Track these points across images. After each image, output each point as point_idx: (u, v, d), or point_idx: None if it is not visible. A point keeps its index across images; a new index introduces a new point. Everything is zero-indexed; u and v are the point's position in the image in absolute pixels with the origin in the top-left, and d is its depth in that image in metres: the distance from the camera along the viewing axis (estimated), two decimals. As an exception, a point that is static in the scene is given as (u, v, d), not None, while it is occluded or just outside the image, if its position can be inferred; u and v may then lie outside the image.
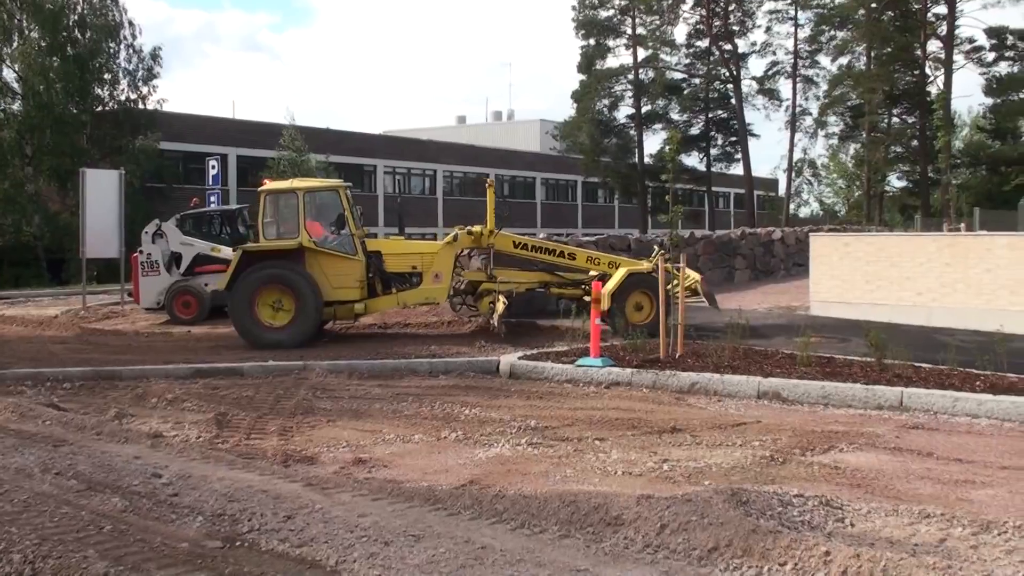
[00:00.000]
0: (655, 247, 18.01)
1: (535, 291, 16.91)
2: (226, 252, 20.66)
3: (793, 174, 60.29)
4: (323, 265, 15.82)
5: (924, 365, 11.56)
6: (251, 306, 15.38)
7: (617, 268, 16.21)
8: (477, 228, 16.58)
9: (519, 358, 13.10)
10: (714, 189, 64.63)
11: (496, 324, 15.21)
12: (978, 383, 10.52)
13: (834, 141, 63.31)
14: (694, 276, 16.78)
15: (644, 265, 16.17)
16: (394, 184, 56.80)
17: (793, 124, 57.90)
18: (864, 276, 18.15)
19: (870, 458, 7.94)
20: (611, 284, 15.32)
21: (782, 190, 67.82)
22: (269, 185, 16.44)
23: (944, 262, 17.17)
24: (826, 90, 56.77)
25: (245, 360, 13.56)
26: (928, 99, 50.70)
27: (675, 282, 15.34)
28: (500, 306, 15.49)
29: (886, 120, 56.85)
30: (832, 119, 58.48)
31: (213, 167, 28.92)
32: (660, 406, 10.39)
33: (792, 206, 64.28)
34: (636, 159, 58.49)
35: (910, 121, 55.75)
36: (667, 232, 14.08)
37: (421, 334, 16.98)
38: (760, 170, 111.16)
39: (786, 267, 29.34)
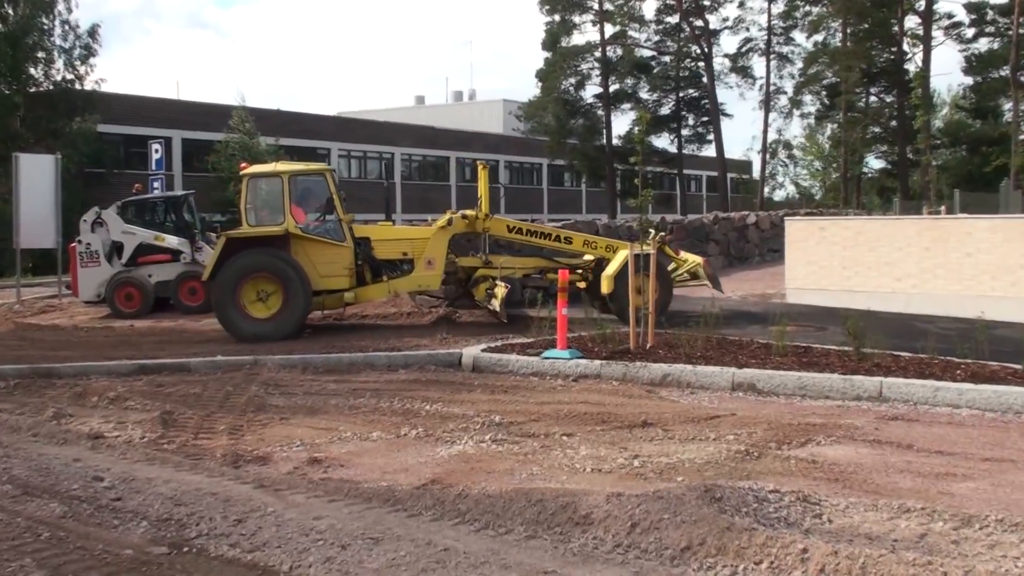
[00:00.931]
0: (651, 230, 18.20)
1: (531, 277, 17.03)
2: (171, 241, 20.48)
3: (768, 156, 60.75)
4: (310, 252, 15.79)
5: (904, 354, 11.69)
6: (235, 296, 15.30)
7: (615, 252, 16.30)
8: (471, 212, 16.69)
9: (482, 350, 13.09)
10: (686, 172, 65.07)
11: (499, 310, 15.36)
12: (959, 372, 10.64)
13: (810, 121, 63.98)
14: (695, 259, 17.04)
15: (645, 247, 16.29)
16: (348, 168, 56.54)
17: (767, 104, 58.34)
18: (841, 262, 18.32)
19: (848, 451, 8.01)
20: (612, 267, 15.43)
21: (756, 173, 68.35)
22: (251, 169, 16.39)
23: (924, 246, 17.37)
24: (801, 68, 57.32)
25: (192, 355, 13.47)
26: (907, 77, 51.19)
27: (673, 265, 15.50)
28: (500, 291, 15.60)
29: (864, 99, 57.44)
30: (808, 98, 59.09)
31: (156, 151, 28.63)
32: (631, 399, 10.42)
33: (767, 189, 64.77)
34: (604, 140, 58.64)
35: (888, 100, 56.34)
36: (637, 217, 14.15)
37: (379, 325, 16.93)
38: (733, 152, 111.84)
39: (761, 253, 29.58)
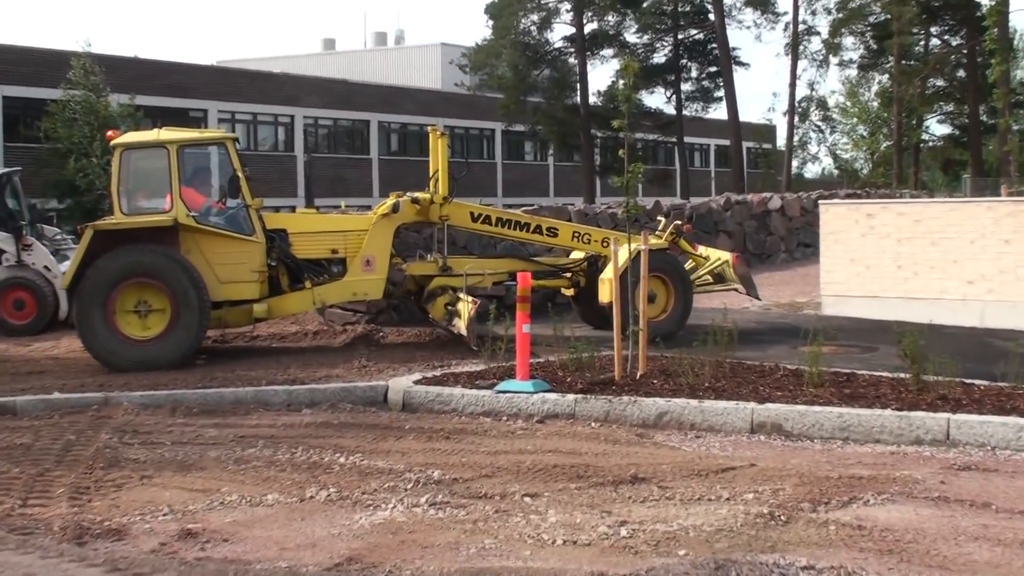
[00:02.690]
0: (660, 217, 18.40)
1: (504, 284, 17.10)
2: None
3: (796, 119, 61.10)
4: (207, 250, 15.74)
5: (978, 382, 11.81)
6: (105, 310, 15.16)
7: (613, 246, 16.37)
8: (423, 194, 16.72)
9: (416, 382, 13.05)
10: (687, 140, 65.38)
11: (465, 332, 15.26)
12: (1051, 406, 10.77)
13: (852, 72, 64.54)
14: (720, 256, 17.19)
15: (656, 241, 16.40)
16: (232, 132, 56.24)
17: (795, 49, 58.61)
18: (894, 259, 18.49)
19: (906, 513, 8.07)
20: (613, 268, 15.45)
21: (781, 141, 68.85)
22: (124, 138, 16.30)
23: (1003, 238, 17.54)
24: (840, 0, 57.59)
25: (19, 392, 13.31)
26: (978, 13, 51.65)
27: (691, 264, 15.62)
28: (465, 308, 15.46)
29: (923, 43, 57.93)
30: (849, 41, 59.47)
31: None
32: (615, 446, 10.43)
33: (795, 163, 65.29)
34: (578, 98, 58.81)
35: (954, 44, 56.83)
36: (621, 201, 14.20)
37: (275, 349, 16.84)
38: (750, 113, 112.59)
39: (788, 248, 29.81)
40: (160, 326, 15.31)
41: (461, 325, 15.43)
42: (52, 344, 18.00)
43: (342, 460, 10.00)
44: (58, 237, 22.27)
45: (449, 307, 16.09)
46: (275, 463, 9.98)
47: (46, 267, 19.93)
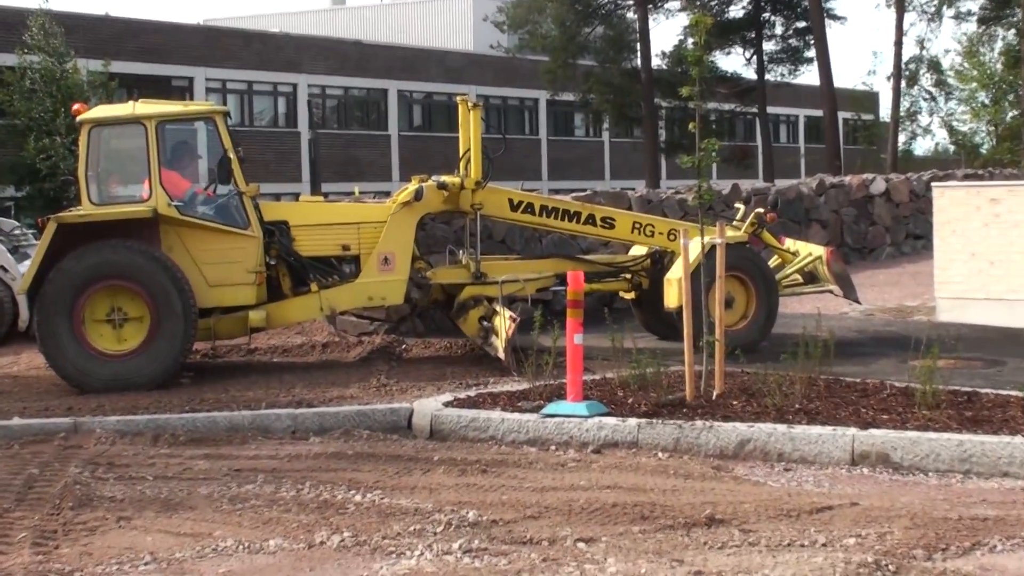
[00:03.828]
0: (738, 204, 18.30)
1: (550, 290, 17.13)
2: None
3: (903, 84, 60.80)
4: (193, 246, 15.79)
5: None
6: (73, 320, 15.21)
7: (682, 239, 16.33)
8: (451, 178, 16.72)
9: (446, 404, 13.08)
10: (771, 111, 65.09)
11: (503, 355, 15.25)
12: None
13: (971, 26, 64.09)
14: (812, 251, 17.13)
15: (734, 233, 16.33)
16: (223, 104, 56.42)
17: (901, -1, 58.48)
18: (1026, 254, 18.39)
19: (1042, 561, 8.04)
20: (683, 266, 15.37)
21: (885, 111, 68.54)
22: (94, 112, 16.40)
23: None
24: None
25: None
26: None
27: (777, 261, 15.55)
28: (503, 324, 15.45)
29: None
30: (967, -11, 59.13)
31: None
32: (687, 481, 10.42)
33: (902, 138, 64.97)
34: (638, 61, 58.66)
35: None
36: (692, 185, 14.19)
37: (277, 365, 16.91)
38: (847, 78, 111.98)
39: (894, 241, 29.67)
40: (138, 338, 15.35)
41: (499, 345, 15.41)
42: (11, 360, 18.08)
43: (358, 498, 10.03)
44: (16, 231, 22.38)
45: (484, 322, 16.07)
46: (278, 502, 10.00)
47: (2, 267, 20.01)
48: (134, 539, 9.07)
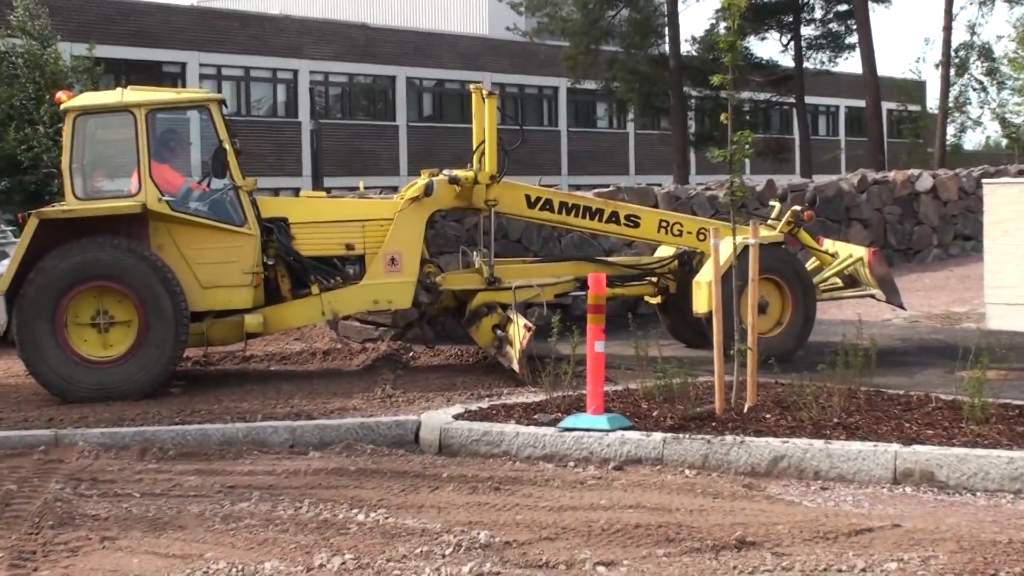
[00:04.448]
0: (773, 202, 18.26)
1: (568, 296, 17.15)
2: None
3: (952, 72, 60.70)
4: (185, 245, 15.80)
5: None
6: (56, 324, 15.24)
7: (712, 240, 16.30)
8: (464, 172, 16.72)
9: (456, 416, 13.08)
10: (809, 101, 64.97)
11: (516, 367, 15.27)
12: None
13: (1026, 10, 63.94)
14: (853, 253, 17.10)
15: (768, 232, 16.32)
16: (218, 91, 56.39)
17: (951, -21, 58.38)
18: (1085, 257, 18.36)
19: (1099, 589, 8.02)
20: (713, 268, 15.33)
21: (932, 102, 68.37)
22: (79, 100, 16.43)
23: None
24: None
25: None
26: None
27: (815, 263, 15.51)
28: (517, 334, 15.45)
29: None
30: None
31: None
32: (716, 500, 10.43)
33: (951, 130, 64.83)
34: (666, 47, 58.64)
35: None
36: (724, 181, 14.18)
37: (275, 373, 16.92)
38: (893, 66, 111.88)
39: (942, 242, 29.62)
40: (125, 344, 15.38)
41: (513, 356, 15.41)
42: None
43: (361, 517, 10.03)
44: (-6, 228, 22.43)
45: (498, 331, 16.05)
46: (274, 521, 10.01)
47: None
48: (119, 561, 9.08)
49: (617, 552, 8.97)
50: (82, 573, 8.82)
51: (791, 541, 9.13)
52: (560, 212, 17.02)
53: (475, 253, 17.16)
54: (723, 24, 15.38)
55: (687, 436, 11.86)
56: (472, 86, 17.55)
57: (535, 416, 12.90)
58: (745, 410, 12.62)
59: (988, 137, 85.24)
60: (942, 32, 58.72)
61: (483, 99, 16.80)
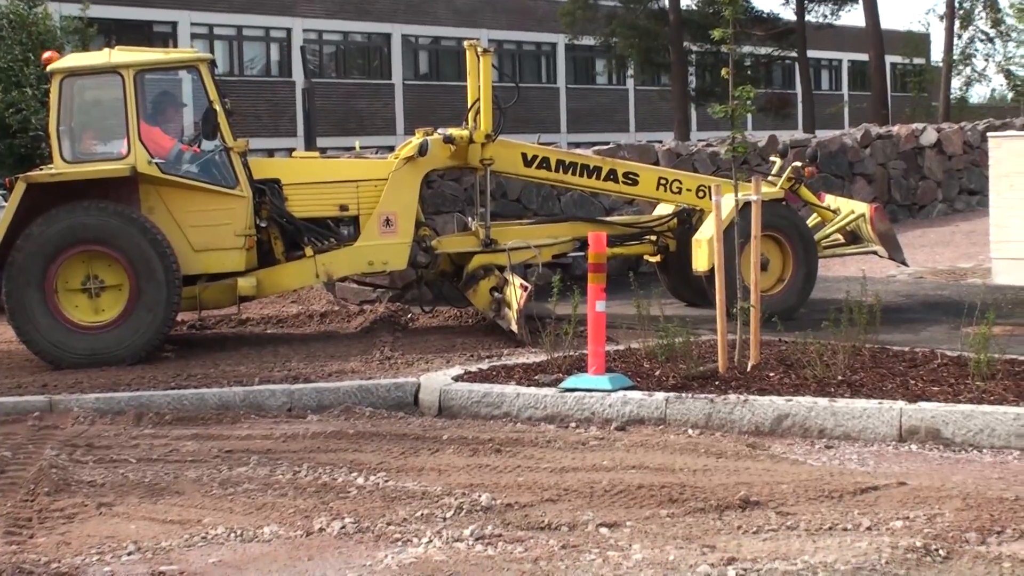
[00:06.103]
0: (775, 157, 18.24)
1: (568, 256, 17.14)
2: None
3: (957, 24, 60.45)
4: (176, 208, 15.79)
5: None
6: (46, 289, 15.22)
7: (714, 196, 16.27)
8: (459, 131, 16.68)
9: (456, 378, 13.11)
10: (812, 55, 64.79)
11: (515, 328, 15.31)
12: None
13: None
14: (855, 209, 17.09)
15: (770, 189, 16.31)
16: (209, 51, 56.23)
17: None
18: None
19: (1106, 545, 8.05)
20: (715, 225, 15.32)
21: (937, 55, 68.18)
22: (67, 60, 16.38)
23: None
24: None
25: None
26: None
27: (816, 220, 15.49)
28: (514, 295, 15.52)
29: None
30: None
31: None
32: (720, 460, 10.46)
33: (956, 84, 64.61)
34: (666, 1, 58.45)
35: None
36: (724, 137, 14.17)
37: (271, 336, 16.94)
38: (896, 18, 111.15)
39: (947, 196, 29.59)
40: (116, 308, 15.38)
41: (511, 317, 15.46)
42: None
43: (360, 481, 10.07)
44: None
45: (496, 293, 16.10)
46: (273, 485, 10.04)
47: None
48: (116, 527, 9.10)
49: (620, 513, 9.00)
50: (79, 539, 8.83)
51: (795, 500, 9.16)
52: (557, 170, 17.01)
53: (470, 215, 17.16)
54: (723, -23, 15.28)
55: (690, 395, 11.90)
56: (467, 43, 17.52)
57: (536, 377, 12.94)
58: (748, 369, 12.65)
59: (993, 90, 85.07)
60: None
61: (478, 56, 16.80)
